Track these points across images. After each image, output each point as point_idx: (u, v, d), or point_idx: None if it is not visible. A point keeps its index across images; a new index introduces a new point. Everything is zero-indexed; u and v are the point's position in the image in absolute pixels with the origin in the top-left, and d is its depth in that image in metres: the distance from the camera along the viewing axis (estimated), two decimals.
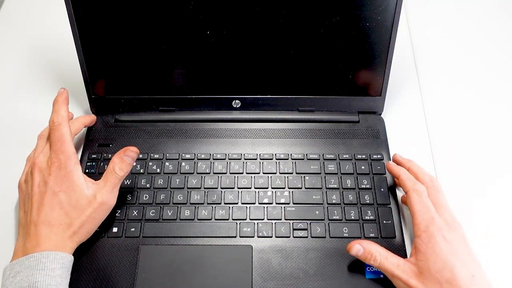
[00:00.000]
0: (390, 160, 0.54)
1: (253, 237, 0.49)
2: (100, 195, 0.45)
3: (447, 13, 0.71)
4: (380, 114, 0.58)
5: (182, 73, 0.55)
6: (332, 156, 0.54)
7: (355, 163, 0.53)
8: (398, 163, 0.51)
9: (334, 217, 0.50)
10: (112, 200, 0.46)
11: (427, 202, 0.44)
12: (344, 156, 0.54)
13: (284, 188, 0.52)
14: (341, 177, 0.52)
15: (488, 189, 0.54)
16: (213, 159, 0.54)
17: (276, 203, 0.51)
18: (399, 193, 0.52)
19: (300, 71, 0.54)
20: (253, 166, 0.53)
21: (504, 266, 0.49)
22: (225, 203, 0.51)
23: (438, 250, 0.40)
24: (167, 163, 0.54)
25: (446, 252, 0.40)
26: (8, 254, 0.49)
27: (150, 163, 0.54)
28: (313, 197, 0.51)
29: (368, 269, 0.46)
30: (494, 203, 0.53)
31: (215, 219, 0.50)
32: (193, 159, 0.54)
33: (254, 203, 0.51)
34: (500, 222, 0.51)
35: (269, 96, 0.56)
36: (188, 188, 0.52)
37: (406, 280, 0.41)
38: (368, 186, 0.52)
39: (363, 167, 0.53)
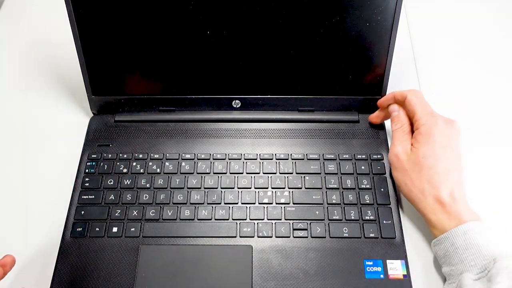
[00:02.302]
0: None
1: (253, 237, 0.49)
2: None
3: (447, 13, 0.71)
4: None
5: (182, 73, 0.55)
6: (332, 156, 0.54)
7: (355, 163, 0.53)
8: (384, 102, 0.54)
9: (334, 217, 0.50)
10: None
11: (426, 102, 0.49)
12: (344, 156, 0.54)
13: (284, 188, 0.52)
14: (341, 177, 0.52)
15: (488, 189, 0.54)
16: (213, 159, 0.54)
17: (276, 203, 0.51)
18: (400, 194, 0.52)
19: (300, 71, 0.54)
20: (253, 166, 0.53)
21: None
22: (225, 203, 0.51)
23: (432, 141, 0.46)
24: (167, 163, 0.54)
25: (438, 145, 0.46)
26: (8, 253, 0.50)
27: (150, 163, 0.54)
28: (313, 197, 0.51)
29: (368, 269, 0.46)
30: (494, 203, 0.53)
31: (215, 219, 0.50)
32: (193, 159, 0.54)
33: (254, 203, 0.51)
34: (501, 222, 0.51)
35: (269, 96, 0.56)
36: (188, 188, 0.52)
37: (396, 153, 0.48)
38: (368, 186, 0.52)
39: (363, 167, 0.53)
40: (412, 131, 0.49)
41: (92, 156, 0.54)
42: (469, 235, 0.42)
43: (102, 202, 0.51)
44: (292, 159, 0.54)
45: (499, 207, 0.53)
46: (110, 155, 0.54)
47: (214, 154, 0.54)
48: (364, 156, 0.54)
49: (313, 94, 0.56)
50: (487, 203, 0.52)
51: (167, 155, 0.54)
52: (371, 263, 0.47)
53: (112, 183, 0.52)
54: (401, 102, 0.51)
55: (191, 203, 0.51)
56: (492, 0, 0.73)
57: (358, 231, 0.49)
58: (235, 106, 0.57)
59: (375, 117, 0.55)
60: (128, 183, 0.52)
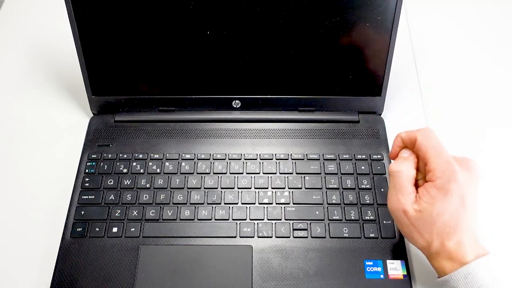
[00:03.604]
0: (390, 160, 0.54)
1: (253, 237, 0.49)
2: None
3: (447, 13, 0.71)
4: (380, 114, 0.58)
5: (182, 73, 0.55)
6: (332, 156, 0.54)
7: (355, 163, 0.53)
8: (394, 153, 0.45)
9: (334, 217, 0.50)
10: None
11: (440, 145, 0.40)
12: (344, 156, 0.54)
13: (284, 188, 0.52)
14: (341, 177, 0.52)
15: (488, 189, 0.54)
16: (213, 159, 0.54)
17: (276, 203, 0.51)
18: None
19: (300, 71, 0.54)
20: (253, 166, 0.53)
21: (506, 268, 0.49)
22: (225, 203, 0.51)
23: (449, 197, 0.38)
24: (167, 163, 0.54)
25: (456, 199, 0.38)
26: (8, 253, 0.50)
27: (150, 163, 0.54)
28: (313, 197, 0.51)
29: (368, 269, 0.46)
30: (494, 203, 0.53)
31: (215, 219, 0.50)
32: (193, 159, 0.54)
33: (254, 203, 0.51)
34: (501, 221, 0.51)
35: (269, 96, 0.56)
36: (188, 188, 0.52)
37: (404, 209, 0.40)
38: (368, 186, 0.52)
39: (363, 167, 0.53)
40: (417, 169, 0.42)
41: (92, 156, 0.54)
42: (470, 278, 0.38)
43: (102, 202, 0.51)
44: (292, 159, 0.54)
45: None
46: (110, 155, 0.54)
47: (214, 154, 0.54)
48: (364, 156, 0.54)
49: (313, 94, 0.56)
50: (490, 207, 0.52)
51: (167, 155, 0.54)
52: (371, 263, 0.47)
53: (112, 183, 0.52)
54: (411, 145, 0.42)
55: (191, 203, 0.51)
56: (492, 0, 0.73)
57: (358, 231, 0.49)
58: (235, 106, 0.57)
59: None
60: (128, 183, 0.52)
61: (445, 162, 0.39)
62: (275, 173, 0.53)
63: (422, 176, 0.42)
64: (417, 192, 0.41)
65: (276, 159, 0.54)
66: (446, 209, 0.38)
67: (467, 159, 0.41)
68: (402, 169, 0.41)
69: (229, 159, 0.54)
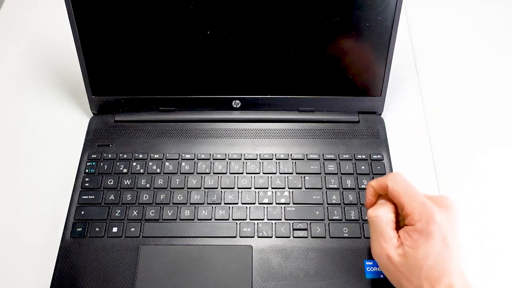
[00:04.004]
0: (390, 160, 0.54)
1: (253, 237, 0.49)
2: None
3: (447, 13, 0.71)
4: (380, 114, 0.58)
5: (182, 73, 0.55)
6: (332, 156, 0.54)
7: (355, 163, 0.53)
8: (369, 203, 0.44)
9: (334, 217, 0.50)
10: None
11: (411, 187, 0.40)
12: (344, 156, 0.54)
13: (284, 188, 0.52)
14: (341, 177, 0.52)
15: (488, 189, 0.54)
16: (213, 159, 0.54)
17: (276, 203, 0.51)
18: None
19: (300, 71, 0.54)
20: (253, 166, 0.53)
21: (505, 268, 0.49)
22: (225, 203, 0.51)
23: (432, 239, 0.37)
24: (167, 163, 0.54)
25: (438, 240, 0.37)
26: (8, 253, 0.50)
27: (150, 163, 0.54)
28: (313, 197, 0.51)
29: (368, 269, 0.46)
30: (494, 203, 0.53)
31: (215, 219, 0.50)
32: (193, 159, 0.54)
33: (254, 203, 0.51)
34: (501, 222, 0.51)
35: (269, 96, 0.56)
36: (188, 188, 0.52)
37: (387, 255, 0.39)
38: None
39: (363, 167, 0.53)
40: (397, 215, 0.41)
41: (92, 156, 0.54)
42: None
43: (102, 202, 0.51)
44: (292, 159, 0.54)
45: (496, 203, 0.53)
46: (110, 155, 0.54)
47: (214, 154, 0.54)
48: (364, 156, 0.54)
49: (313, 94, 0.56)
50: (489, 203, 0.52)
51: (167, 155, 0.54)
52: (371, 263, 0.47)
53: (112, 183, 0.52)
54: (384, 192, 0.42)
55: (191, 203, 0.51)
56: (492, 1, 0.73)
57: (358, 231, 0.49)
58: (235, 106, 0.57)
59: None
60: (128, 183, 0.52)
61: (421, 204, 0.38)
62: (275, 173, 0.53)
63: (402, 218, 0.41)
64: (398, 236, 0.39)
65: (276, 159, 0.54)
66: (430, 252, 0.37)
67: (443, 197, 0.40)
68: (379, 213, 0.40)
69: (229, 159, 0.54)
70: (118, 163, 0.54)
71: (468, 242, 0.50)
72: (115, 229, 0.49)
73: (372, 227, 0.41)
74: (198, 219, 0.50)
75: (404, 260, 0.38)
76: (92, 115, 0.58)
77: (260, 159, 0.54)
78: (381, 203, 0.41)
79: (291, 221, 0.50)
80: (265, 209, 0.50)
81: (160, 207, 0.51)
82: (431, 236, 0.37)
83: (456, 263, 0.38)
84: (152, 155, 0.54)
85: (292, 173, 0.53)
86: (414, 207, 0.38)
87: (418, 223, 0.38)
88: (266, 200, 0.51)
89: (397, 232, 0.40)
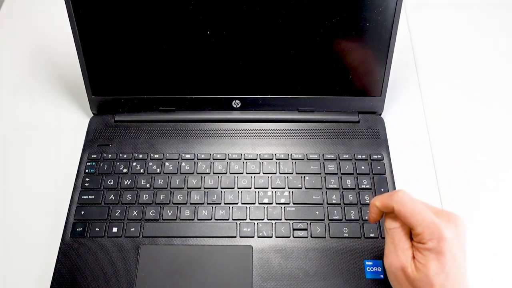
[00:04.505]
0: (390, 160, 0.54)
1: (253, 237, 0.49)
2: None
3: (447, 13, 0.71)
4: (380, 114, 0.58)
5: (182, 73, 0.55)
6: (332, 156, 0.54)
7: (355, 163, 0.53)
8: (375, 219, 0.43)
9: (334, 217, 0.50)
10: None
11: (419, 205, 0.39)
12: (344, 156, 0.54)
13: (284, 188, 0.52)
14: (341, 177, 0.52)
15: (488, 189, 0.54)
16: (213, 159, 0.54)
17: (276, 203, 0.51)
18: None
19: (300, 71, 0.54)
20: (253, 166, 0.53)
21: (505, 268, 0.49)
22: (225, 203, 0.51)
23: (443, 257, 0.38)
24: (167, 163, 0.54)
25: (449, 257, 0.38)
26: (9, 253, 0.50)
27: (150, 163, 0.54)
28: (313, 197, 0.51)
29: (368, 269, 0.46)
30: (495, 203, 0.53)
31: (215, 219, 0.50)
32: (193, 159, 0.54)
33: (254, 203, 0.51)
34: (501, 222, 0.51)
35: (269, 96, 0.56)
36: (188, 188, 0.52)
37: (402, 267, 0.39)
38: (368, 186, 0.52)
39: (363, 167, 0.53)
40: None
41: (92, 156, 0.54)
42: None
43: (102, 202, 0.51)
44: (292, 159, 0.54)
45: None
46: (110, 155, 0.54)
47: (214, 154, 0.54)
48: (364, 156, 0.54)
49: (313, 94, 0.56)
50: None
51: (167, 155, 0.54)
52: (371, 263, 0.47)
53: (112, 183, 0.52)
54: (389, 211, 0.41)
55: (191, 203, 0.51)
56: (493, 1, 0.73)
57: (358, 231, 0.49)
58: (235, 106, 0.57)
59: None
60: (128, 183, 0.52)
61: (431, 224, 0.38)
62: (275, 173, 0.53)
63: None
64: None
65: (276, 159, 0.54)
66: (441, 269, 0.38)
67: (452, 214, 0.40)
68: (396, 226, 0.40)
69: (229, 159, 0.54)
70: (118, 163, 0.54)
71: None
72: (115, 229, 0.49)
73: (389, 238, 0.41)
74: (198, 219, 0.50)
75: (415, 274, 0.39)
76: (92, 115, 0.58)
77: (260, 159, 0.54)
78: (396, 216, 0.41)
79: (291, 221, 0.50)
80: (265, 209, 0.50)
81: (160, 207, 0.51)
82: (442, 254, 0.38)
83: (465, 278, 0.38)
84: (152, 155, 0.54)
85: (292, 173, 0.53)
86: (425, 227, 0.38)
87: (429, 242, 0.38)
88: (266, 200, 0.51)
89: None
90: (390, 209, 0.40)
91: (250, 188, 0.52)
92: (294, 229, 0.49)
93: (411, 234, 0.40)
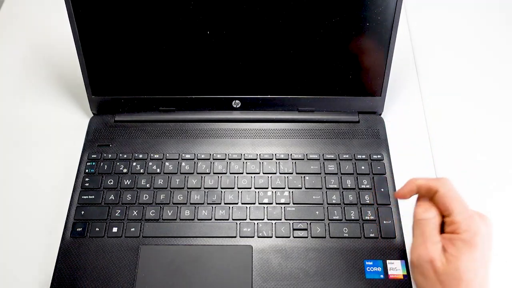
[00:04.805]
0: (390, 160, 0.54)
1: (253, 237, 0.49)
2: None
3: (447, 13, 0.71)
4: (380, 114, 0.58)
5: (182, 73, 0.55)
6: (332, 156, 0.54)
7: (355, 163, 0.53)
8: (403, 195, 0.43)
9: (334, 217, 0.50)
10: None
11: (461, 197, 0.39)
12: (344, 156, 0.54)
13: (284, 188, 0.52)
14: (341, 177, 0.52)
15: (488, 189, 0.54)
16: (213, 159, 0.54)
17: (276, 203, 0.51)
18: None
19: (300, 71, 0.54)
20: (253, 166, 0.53)
21: (505, 268, 0.49)
22: (225, 203, 0.51)
23: (475, 252, 0.37)
24: (167, 163, 0.54)
25: (480, 255, 0.37)
26: (9, 253, 0.50)
27: (150, 163, 0.54)
28: (313, 197, 0.51)
29: (368, 269, 0.46)
30: (495, 203, 0.53)
31: (215, 219, 0.50)
32: (193, 159, 0.54)
33: (254, 203, 0.51)
34: (501, 222, 0.51)
35: (269, 96, 0.56)
36: (188, 188, 0.52)
37: (431, 259, 0.38)
38: (368, 186, 0.52)
39: (363, 167, 0.53)
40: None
41: (92, 156, 0.54)
42: None
43: (102, 202, 0.51)
44: (292, 159, 0.54)
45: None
46: (110, 155, 0.54)
47: (214, 154, 0.54)
48: (364, 156, 0.54)
49: (313, 94, 0.56)
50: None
51: (167, 155, 0.54)
52: (371, 263, 0.47)
53: (112, 183, 0.52)
54: (427, 194, 0.40)
55: (191, 203, 0.51)
56: (492, 1, 0.73)
57: (358, 231, 0.49)
58: (235, 106, 0.57)
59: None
60: (128, 183, 0.52)
61: (470, 216, 0.38)
62: (275, 173, 0.53)
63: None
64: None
65: (276, 159, 0.54)
66: (473, 266, 0.37)
67: (482, 214, 0.39)
68: (430, 216, 0.39)
69: (229, 159, 0.54)
70: (118, 163, 0.54)
71: None
72: (115, 229, 0.49)
73: (419, 229, 0.39)
74: (198, 219, 0.50)
75: (446, 268, 0.37)
76: (92, 115, 0.58)
77: (260, 159, 0.54)
78: (429, 205, 0.40)
79: (291, 221, 0.50)
80: (265, 209, 0.50)
81: (160, 207, 0.51)
82: (475, 247, 0.37)
83: (488, 280, 0.38)
84: (152, 155, 0.54)
85: (292, 173, 0.53)
86: (465, 218, 0.38)
87: (465, 233, 0.37)
88: (266, 200, 0.51)
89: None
90: (432, 191, 0.39)
91: (250, 188, 0.52)
92: (294, 229, 0.49)
93: (441, 227, 0.39)
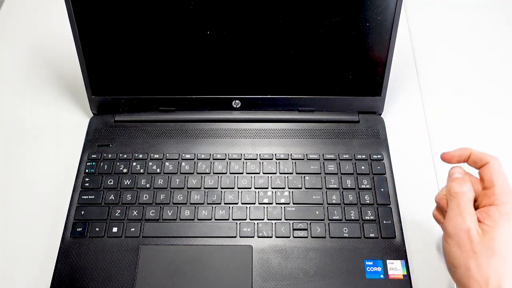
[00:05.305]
0: (390, 160, 0.54)
1: (253, 237, 0.49)
2: None
3: (447, 13, 0.71)
4: (380, 114, 0.58)
5: (182, 73, 0.55)
6: (332, 156, 0.54)
7: (355, 163, 0.53)
8: (450, 158, 0.44)
9: (334, 217, 0.50)
10: None
11: (505, 175, 0.40)
12: (344, 156, 0.54)
13: (284, 188, 0.52)
14: (341, 177, 0.52)
15: None
16: (213, 159, 0.54)
17: (276, 203, 0.51)
18: (400, 195, 0.52)
19: (300, 71, 0.54)
20: (253, 166, 0.53)
21: None
22: (225, 203, 0.51)
23: (510, 225, 0.38)
24: (167, 163, 0.54)
25: None
26: (8, 253, 0.50)
27: (150, 163, 0.54)
28: (313, 197, 0.51)
29: (368, 269, 0.46)
30: None
31: (215, 219, 0.50)
32: (193, 159, 0.54)
33: (254, 203, 0.51)
34: None
35: (269, 96, 0.56)
36: (188, 188, 0.52)
37: (467, 229, 0.38)
38: (368, 186, 0.52)
39: (363, 167, 0.53)
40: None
41: (92, 156, 0.54)
42: None
43: (102, 202, 0.51)
44: (292, 159, 0.54)
45: None
46: (110, 155, 0.54)
47: (214, 154, 0.54)
48: (364, 156, 0.54)
49: (313, 94, 0.56)
50: None
51: (167, 155, 0.54)
52: (371, 263, 0.47)
53: (112, 183, 0.52)
54: (475, 165, 0.42)
55: (191, 203, 0.51)
56: (492, 1, 0.73)
57: (358, 231, 0.49)
58: (235, 106, 0.57)
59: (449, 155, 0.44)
60: (128, 183, 0.52)
61: (510, 192, 0.39)
62: (275, 173, 0.53)
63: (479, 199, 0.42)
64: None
65: (276, 159, 0.54)
66: (507, 239, 0.37)
67: None
68: (466, 190, 0.40)
69: (229, 159, 0.54)
70: (118, 163, 0.54)
71: None
72: (115, 229, 0.49)
73: (455, 202, 0.40)
74: (198, 219, 0.50)
75: (481, 239, 0.38)
76: (92, 115, 0.58)
77: (260, 159, 0.54)
78: (463, 180, 0.41)
79: (291, 221, 0.50)
80: (265, 209, 0.50)
81: (160, 207, 0.51)
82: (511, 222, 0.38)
83: None
84: (152, 155, 0.54)
85: (292, 173, 0.53)
86: (505, 192, 0.39)
87: (504, 205, 0.38)
88: (266, 200, 0.51)
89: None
90: (483, 161, 0.41)
91: (250, 188, 0.52)
92: (294, 229, 0.49)
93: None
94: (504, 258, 0.37)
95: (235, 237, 0.49)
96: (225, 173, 0.53)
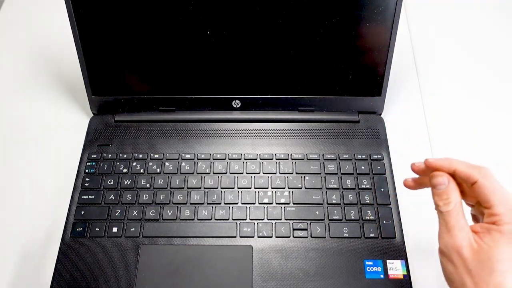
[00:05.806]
0: (390, 160, 0.54)
1: (253, 237, 0.49)
2: None
3: (447, 13, 0.71)
4: (380, 114, 0.58)
5: (182, 73, 0.55)
6: (332, 156, 0.54)
7: (355, 163, 0.53)
8: (434, 166, 0.41)
9: (334, 217, 0.50)
10: None
11: (501, 186, 0.37)
12: (344, 156, 0.54)
13: (284, 188, 0.52)
14: (341, 177, 0.52)
15: None
16: (213, 159, 0.54)
17: (276, 203, 0.51)
18: (400, 195, 0.52)
19: (300, 71, 0.54)
20: (253, 166, 0.53)
21: None
22: (225, 203, 0.51)
23: (510, 251, 0.36)
24: (167, 163, 0.54)
25: None
26: (8, 253, 0.50)
27: (150, 163, 0.54)
28: (313, 197, 0.51)
29: (368, 269, 0.46)
30: None
31: (215, 219, 0.50)
32: (193, 159, 0.54)
33: (254, 203, 0.51)
34: None
35: (269, 96, 0.56)
36: (188, 188, 0.52)
37: (458, 247, 0.36)
38: (368, 186, 0.52)
39: (363, 167, 0.53)
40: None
41: (92, 156, 0.54)
42: None
43: (102, 202, 0.51)
44: (292, 159, 0.54)
45: None
46: (110, 155, 0.54)
47: (214, 154, 0.54)
48: (364, 156, 0.54)
49: (313, 94, 0.56)
50: None
51: (167, 155, 0.54)
52: (371, 263, 0.47)
53: (112, 183, 0.52)
54: (465, 182, 0.39)
55: (191, 203, 0.51)
56: (492, 0, 0.73)
57: (358, 231, 0.49)
58: (235, 106, 0.57)
59: (409, 182, 0.44)
60: (128, 183, 0.52)
61: (511, 210, 0.37)
62: (275, 173, 0.53)
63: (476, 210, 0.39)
64: (474, 231, 0.37)
65: (276, 159, 0.54)
66: (507, 256, 0.35)
67: None
68: (451, 207, 0.38)
69: (229, 159, 0.54)
70: (118, 163, 0.54)
71: None
72: (115, 229, 0.49)
73: (442, 220, 0.38)
74: (198, 219, 0.50)
75: (474, 254, 0.36)
76: (92, 115, 0.58)
77: (260, 159, 0.54)
78: (447, 195, 0.38)
79: (291, 221, 0.50)
80: (265, 209, 0.50)
81: (160, 207, 0.51)
82: None
83: None
84: (152, 155, 0.54)
85: (292, 173, 0.53)
86: (507, 209, 0.36)
87: (506, 225, 0.36)
88: (266, 200, 0.51)
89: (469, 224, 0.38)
90: (471, 179, 0.38)
91: (250, 188, 0.52)
92: (294, 229, 0.49)
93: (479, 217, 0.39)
94: (504, 276, 0.35)
95: (235, 237, 0.49)
96: (225, 173, 0.53)
